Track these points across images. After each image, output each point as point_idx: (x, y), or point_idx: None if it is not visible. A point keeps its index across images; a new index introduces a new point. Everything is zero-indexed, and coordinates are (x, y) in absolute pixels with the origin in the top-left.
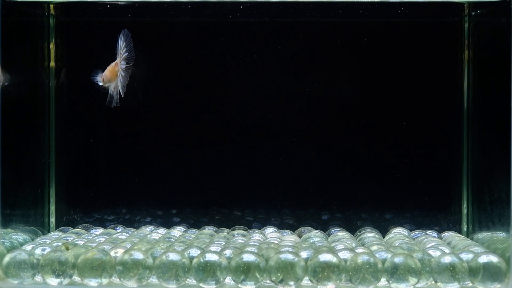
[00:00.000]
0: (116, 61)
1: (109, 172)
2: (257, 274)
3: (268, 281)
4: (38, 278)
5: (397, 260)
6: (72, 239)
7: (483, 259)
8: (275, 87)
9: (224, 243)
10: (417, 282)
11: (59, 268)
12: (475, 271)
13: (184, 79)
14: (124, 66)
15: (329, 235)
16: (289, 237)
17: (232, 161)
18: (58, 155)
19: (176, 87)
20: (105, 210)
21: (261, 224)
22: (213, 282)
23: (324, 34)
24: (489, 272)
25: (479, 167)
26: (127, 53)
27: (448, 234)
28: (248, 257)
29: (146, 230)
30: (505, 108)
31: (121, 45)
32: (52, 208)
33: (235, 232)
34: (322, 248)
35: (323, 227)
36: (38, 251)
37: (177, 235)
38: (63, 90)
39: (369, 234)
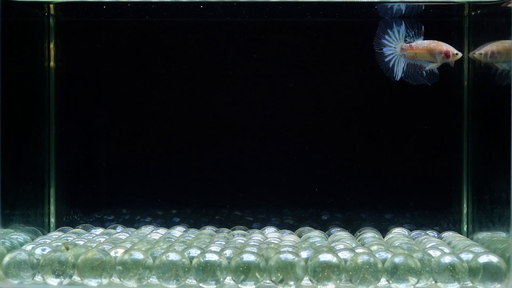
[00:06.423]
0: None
1: (109, 172)
2: (257, 274)
3: (268, 281)
4: (38, 278)
5: (397, 260)
6: (72, 239)
7: (483, 259)
8: (275, 86)
9: (224, 243)
10: (417, 282)
11: (59, 268)
12: (475, 271)
13: (185, 78)
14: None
15: (329, 235)
16: (289, 237)
17: (232, 161)
18: (58, 155)
19: (176, 86)
20: (105, 210)
21: (261, 224)
22: (213, 282)
23: (324, 34)
24: (489, 272)
25: (479, 167)
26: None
27: (448, 234)
28: (248, 257)
29: (146, 230)
30: (505, 108)
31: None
32: (52, 208)
33: (235, 232)
34: (322, 248)
35: (323, 227)
36: (38, 251)
37: (177, 235)
38: (63, 90)
39: (369, 234)
